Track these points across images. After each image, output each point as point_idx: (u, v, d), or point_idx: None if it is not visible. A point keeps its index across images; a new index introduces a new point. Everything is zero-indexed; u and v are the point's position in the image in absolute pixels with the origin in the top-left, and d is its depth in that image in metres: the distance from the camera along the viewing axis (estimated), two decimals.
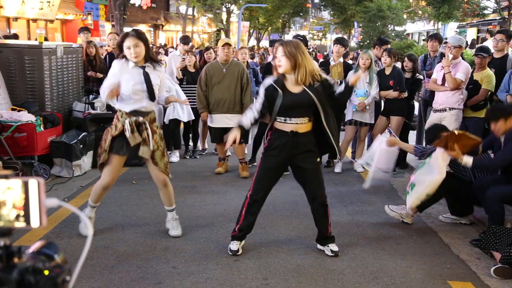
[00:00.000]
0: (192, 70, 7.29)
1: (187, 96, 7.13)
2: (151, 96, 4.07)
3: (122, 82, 4.01)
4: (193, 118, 7.17)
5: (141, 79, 4.02)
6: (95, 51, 7.95)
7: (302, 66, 3.72)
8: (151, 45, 21.42)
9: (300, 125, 3.83)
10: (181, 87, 7.14)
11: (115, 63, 4.09)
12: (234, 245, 4.04)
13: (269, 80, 3.91)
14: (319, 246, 4.20)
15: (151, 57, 4.12)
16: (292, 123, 3.82)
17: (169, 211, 4.46)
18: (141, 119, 4.08)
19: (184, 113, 7.03)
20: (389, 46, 7.57)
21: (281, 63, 3.73)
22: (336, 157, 7.03)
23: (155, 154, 4.16)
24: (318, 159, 4.00)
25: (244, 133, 6.79)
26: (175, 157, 7.31)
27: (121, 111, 4.10)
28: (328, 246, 4.11)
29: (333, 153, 4.39)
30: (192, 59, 7.31)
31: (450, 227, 4.81)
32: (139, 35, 4.01)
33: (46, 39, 12.59)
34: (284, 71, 3.76)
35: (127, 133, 4.02)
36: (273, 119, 3.88)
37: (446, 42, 6.10)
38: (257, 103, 3.94)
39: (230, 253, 4.02)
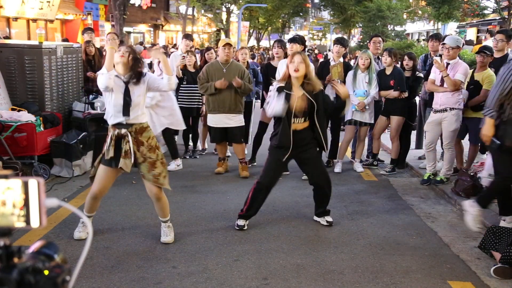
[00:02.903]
0: (192, 70, 7.27)
1: (187, 95, 7.14)
2: (125, 111, 3.95)
3: (105, 94, 4.04)
4: (185, 127, 6.96)
5: (123, 92, 3.95)
6: (94, 50, 7.94)
7: (312, 73, 4.52)
8: (150, 45, 21.23)
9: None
10: (181, 87, 7.12)
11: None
12: (241, 221, 4.54)
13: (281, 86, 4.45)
14: (315, 218, 4.83)
15: (136, 71, 4.01)
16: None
17: (163, 222, 4.32)
18: (123, 131, 3.98)
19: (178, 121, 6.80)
20: (379, 38, 7.57)
21: (300, 67, 4.39)
22: (336, 157, 7.05)
23: (141, 166, 4.04)
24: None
25: (245, 133, 6.82)
26: (174, 165, 6.81)
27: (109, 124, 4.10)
28: (324, 217, 4.79)
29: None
30: (192, 59, 7.29)
31: (450, 227, 4.82)
32: (131, 49, 4.02)
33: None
34: (299, 76, 4.40)
35: (105, 146, 4.02)
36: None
37: (443, 44, 6.05)
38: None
39: (237, 228, 4.50)
